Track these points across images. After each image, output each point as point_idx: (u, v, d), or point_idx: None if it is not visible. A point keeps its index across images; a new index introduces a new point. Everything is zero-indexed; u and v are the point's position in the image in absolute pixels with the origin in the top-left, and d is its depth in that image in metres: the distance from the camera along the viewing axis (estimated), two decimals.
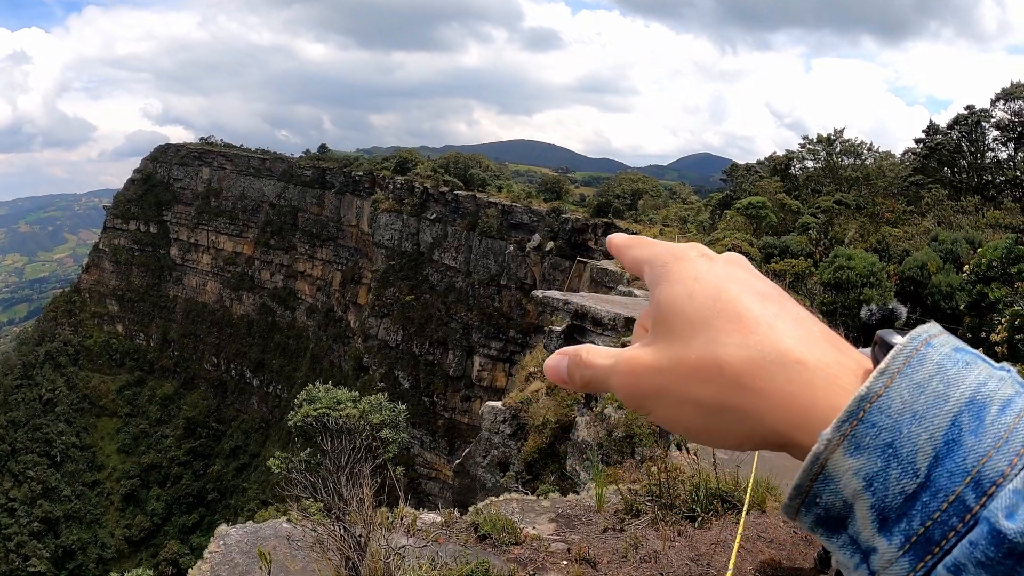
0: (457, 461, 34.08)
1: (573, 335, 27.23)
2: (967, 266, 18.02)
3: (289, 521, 8.73)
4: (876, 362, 0.82)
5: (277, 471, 6.51)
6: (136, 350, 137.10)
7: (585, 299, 28.09)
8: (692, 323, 0.94)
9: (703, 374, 0.92)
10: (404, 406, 7.22)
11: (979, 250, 18.29)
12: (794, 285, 26.05)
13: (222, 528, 9.80)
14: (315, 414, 6.56)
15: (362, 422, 6.57)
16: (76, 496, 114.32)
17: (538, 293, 30.47)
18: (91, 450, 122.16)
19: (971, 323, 16.89)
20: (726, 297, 0.94)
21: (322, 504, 6.50)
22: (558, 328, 28.36)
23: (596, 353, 1.04)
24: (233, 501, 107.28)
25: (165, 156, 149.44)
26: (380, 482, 6.85)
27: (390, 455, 6.80)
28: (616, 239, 1.20)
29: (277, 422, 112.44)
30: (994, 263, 16.78)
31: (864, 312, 9.63)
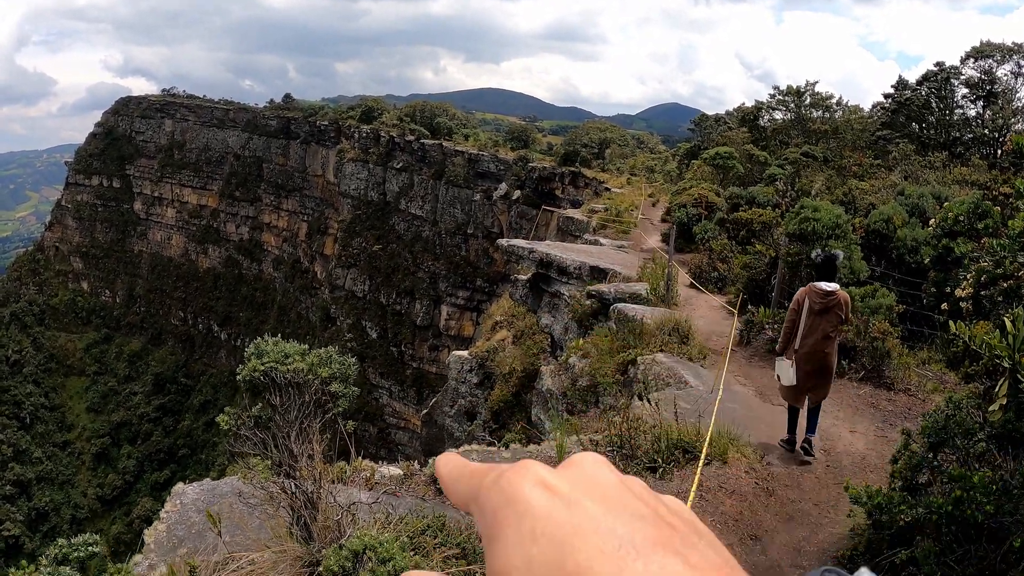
0: (425, 411, 34.20)
1: (539, 284, 27.21)
2: (933, 220, 18.05)
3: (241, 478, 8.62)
4: None
5: (225, 427, 6.36)
6: (102, 307, 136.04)
7: (551, 248, 28.02)
8: None
9: None
10: (355, 359, 7.07)
11: (946, 204, 18.30)
12: (760, 235, 26.07)
13: (178, 487, 9.66)
14: (263, 368, 6.41)
15: (311, 376, 6.43)
16: (47, 457, 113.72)
17: (503, 242, 30.39)
18: (60, 410, 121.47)
19: (936, 278, 16.95)
20: (573, 567, 0.71)
21: (270, 461, 6.38)
22: (524, 277, 28.32)
23: None
24: (204, 456, 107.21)
25: (127, 109, 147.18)
26: (331, 437, 6.73)
27: (340, 409, 6.66)
28: (442, 469, 0.97)
29: None
30: (961, 217, 16.79)
31: (813, 254, 11.66)
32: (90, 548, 6.13)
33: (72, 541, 6.10)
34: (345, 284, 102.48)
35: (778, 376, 11.94)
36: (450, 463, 0.95)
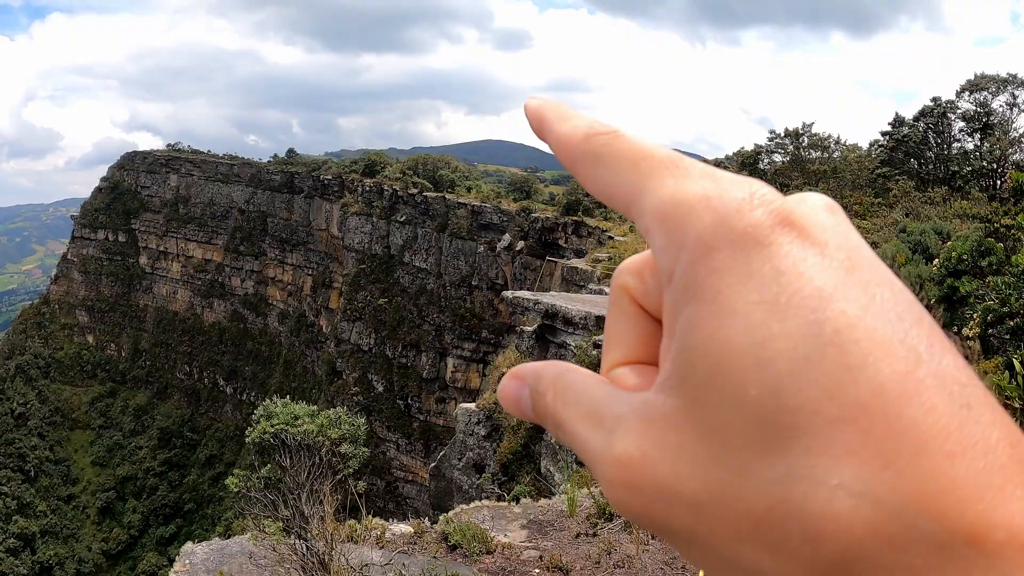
0: (433, 464, 33.93)
1: (544, 335, 27.14)
2: (936, 260, 18.03)
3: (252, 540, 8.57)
4: None
5: (235, 490, 6.34)
6: (107, 361, 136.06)
7: (556, 299, 28.00)
8: (763, 421, 0.45)
9: (778, 538, 0.45)
10: (363, 420, 7.05)
11: (948, 244, 18.27)
12: None
13: (188, 546, 9.60)
14: (272, 430, 6.40)
15: (321, 437, 6.41)
16: (52, 511, 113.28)
17: (508, 294, 30.41)
18: (65, 463, 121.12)
19: (943, 318, 16.90)
20: (840, 359, 0.45)
21: (281, 523, 6.35)
22: (529, 328, 28.27)
23: (576, 400, 0.58)
24: (210, 511, 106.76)
25: (132, 164, 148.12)
26: (342, 498, 6.70)
27: (350, 470, 6.63)
28: (560, 128, 0.63)
29: None
30: (964, 256, 16.80)
31: None
32: None
33: None
34: (351, 338, 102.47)
35: None
36: (575, 121, 0.64)
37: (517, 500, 11.93)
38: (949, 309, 16.91)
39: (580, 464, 17.28)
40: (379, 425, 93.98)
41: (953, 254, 16.93)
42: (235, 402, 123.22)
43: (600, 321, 24.57)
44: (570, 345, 24.89)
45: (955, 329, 14.94)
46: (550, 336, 26.81)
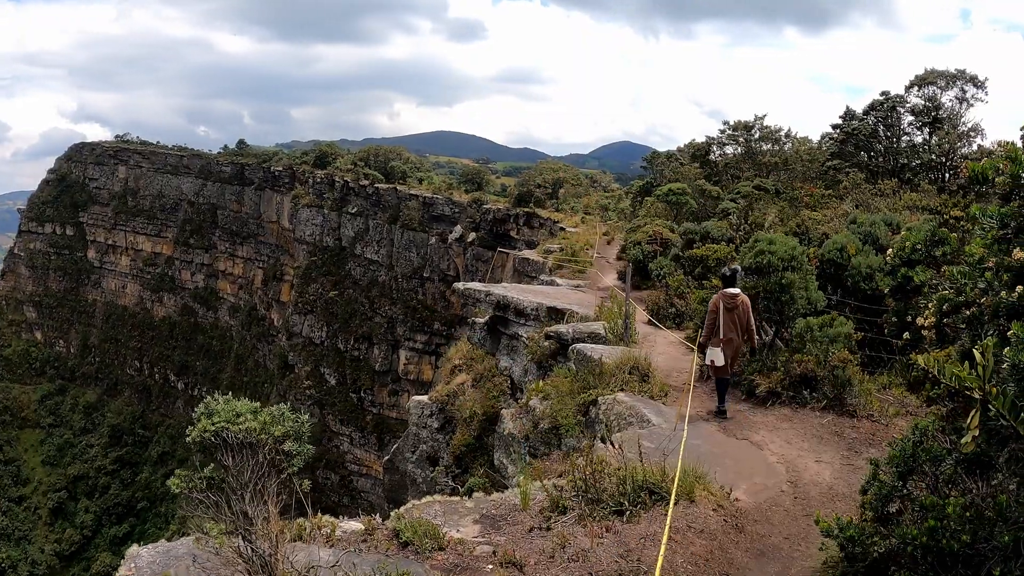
0: (386, 457, 33.74)
1: (496, 326, 27.04)
2: (890, 249, 18.12)
3: (195, 542, 8.34)
4: None
5: (176, 491, 6.12)
6: (56, 358, 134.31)
7: (507, 290, 27.88)
8: None
9: None
10: (308, 416, 6.85)
11: (902, 232, 18.39)
12: (716, 269, 26.07)
13: (133, 549, 9.31)
14: (213, 428, 6.18)
15: (264, 435, 6.21)
16: (2, 512, 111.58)
17: (460, 285, 30.25)
18: (15, 464, 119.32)
19: (896, 307, 16.98)
20: None
21: (224, 525, 6.13)
22: (481, 320, 28.15)
23: None
24: (163, 509, 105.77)
25: (80, 155, 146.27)
26: (287, 497, 6.50)
27: (295, 469, 6.43)
28: None
29: None
30: (918, 246, 16.92)
31: (724, 269, 15.80)
32: None
33: None
34: (302, 331, 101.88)
35: (711, 360, 15.35)
36: None
37: (470, 494, 11.77)
38: (903, 299, 16.99)
39: (534, 456, 17.17)
40: (332, 419, 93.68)
41: (907, 244, 17.02)
42: (187, 398, 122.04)
43: (551, 312, 24.47)
44: (522, 336, 24.77)
45: (909, 319, 15.01)
46: (502, 327, 26.70)
